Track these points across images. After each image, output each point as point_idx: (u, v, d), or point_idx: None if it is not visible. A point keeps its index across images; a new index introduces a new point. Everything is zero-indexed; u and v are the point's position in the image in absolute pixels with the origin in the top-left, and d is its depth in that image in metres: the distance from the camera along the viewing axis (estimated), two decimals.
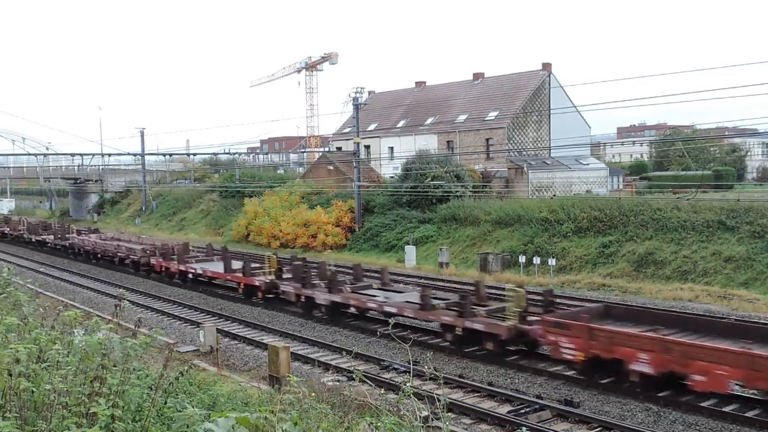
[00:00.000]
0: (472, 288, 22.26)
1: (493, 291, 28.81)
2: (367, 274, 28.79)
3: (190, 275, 32.29)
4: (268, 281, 27.08)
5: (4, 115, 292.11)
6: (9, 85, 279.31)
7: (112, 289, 31.41)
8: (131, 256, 37.08)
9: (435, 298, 21.35)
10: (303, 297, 24.75)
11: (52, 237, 50.43)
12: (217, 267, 31.28)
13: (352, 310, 23.64)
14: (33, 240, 52.74)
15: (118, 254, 38.65)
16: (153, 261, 34.86)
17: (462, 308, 19.25)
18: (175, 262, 33.13)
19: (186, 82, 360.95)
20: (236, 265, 30.11)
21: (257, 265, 30.30)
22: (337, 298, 23.36)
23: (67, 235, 48.46)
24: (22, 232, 55.96)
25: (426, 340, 21.28)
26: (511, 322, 18.36)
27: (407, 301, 21.83)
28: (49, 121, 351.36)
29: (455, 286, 28.91)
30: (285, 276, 27.22)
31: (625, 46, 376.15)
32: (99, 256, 41.60)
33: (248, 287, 27.97)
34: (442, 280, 31.92)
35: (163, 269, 34.01)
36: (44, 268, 40.65)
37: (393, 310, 21.18)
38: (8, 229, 60.48)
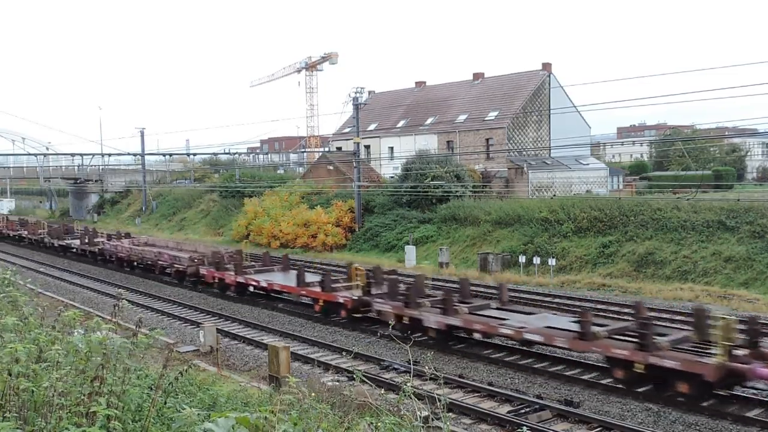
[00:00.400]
0: (632, 309, 18.27)
1: (487, 291, 28.89)
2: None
3: (251, 288, 28.51)
4: (356, 298, 22.89)
5: (4, 115, 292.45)
6: (9, 85, 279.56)
7: (112, 289, 31.37)
8: (176, 265, 32.91)
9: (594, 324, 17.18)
10: (406, 318, 20.62)
11: (77, 242, 45.79)
12: (278, 278, 27.88)
13: (477, 336, 19.74)
14: (56, 245, 48.32)
15: (159, 262, 34.59)
16: (203, 271, 30.95)
17: (644, 339, 15.38)
18: (232, 273, 29.07)
19: (186, 82, 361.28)
20: (311, 277, 26.49)
21: (332, 277, 26.63)
22: (455, 321, 19.41)
23: (95, 240, 43.59)
24: (42, 235, 51.23)
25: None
26: (719, 359, 14.57)
27: (551, 327, 17.97)
28: (49, 121, 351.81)
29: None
30: (375, 291, 22.97)
31: (625, 46, 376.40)
32: (135, 264, 37.65)
33: (329, 304, 24.07)
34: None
35: (216, 280, 30.05)
36: (44, 268, 40.59)
37: (537, 338, 17.55)
38: (26, 232, 55.14)
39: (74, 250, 46.00)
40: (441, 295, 21.08)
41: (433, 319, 19.87)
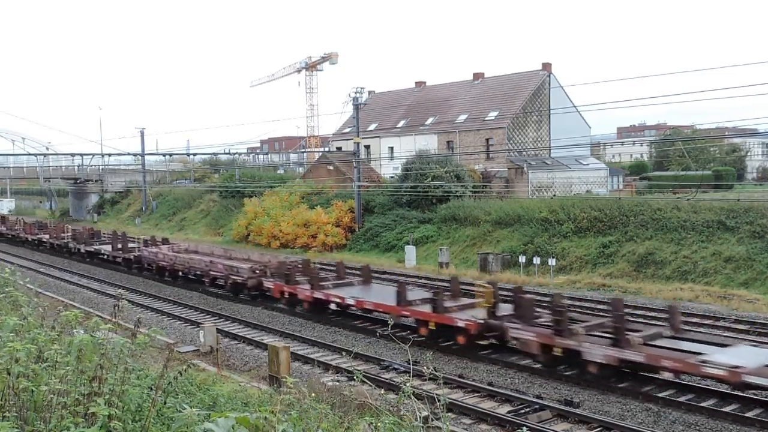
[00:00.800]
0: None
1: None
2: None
3: (333, 306, 24.38)
4: (480, 321, 18.89)
5: (4, 115, 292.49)
6: (9, 85, 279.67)
7: (112, 289, 31.37)
8: (233, 276, 28.95)
9: None
10: (558, 350, 16.92)
11: (108, 247, 41.32)
12: (361, 292, 24.13)
13: (667, 375, 15.80)
14: (82, 250, 43.87)
15: (211, 273, 30.68)
16: (269, 284, 27.03)
17: None
18: (307, 287, 24.91)
19: (186, 82, 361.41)
20: (414, 294, 22.33)
21: (427, 294, 22.51)
22: (634, 356, 15.57)
23: (130, 246, 39.65)
24: (66, 240, 46.69)
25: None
26: None
27: None
28: (49, 121, 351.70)
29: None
30: (503, 313, 19.08)
31: (625, 46, 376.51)
32: (180, 273, 33.71)
33: (442, 328, 19.83)
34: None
35: (286, 295, 26.02)
36: (44, 268, 40.57)
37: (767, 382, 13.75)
38: (47, 236, 50.20)
39: (104, 256, 41.49)
40: (602, 319, 18.00)
41: (598, 352, 16.08)
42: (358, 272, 27.68)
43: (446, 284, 25.20)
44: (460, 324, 19.12)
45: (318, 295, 24.27)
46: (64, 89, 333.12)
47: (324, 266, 32.08)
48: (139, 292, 31.24)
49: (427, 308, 20.50)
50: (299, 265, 27.67)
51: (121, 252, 39.30)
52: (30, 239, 52.83)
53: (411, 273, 34.45)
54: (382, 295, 23.19)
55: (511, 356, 19.00)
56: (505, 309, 19.44)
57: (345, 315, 24.65)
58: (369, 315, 23.84)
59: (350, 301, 23.11)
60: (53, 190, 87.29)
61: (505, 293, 22.67)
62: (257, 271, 28.50)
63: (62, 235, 48.33)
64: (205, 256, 33.66)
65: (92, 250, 43.17)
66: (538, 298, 22.25)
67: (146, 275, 36.55)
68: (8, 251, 50.37)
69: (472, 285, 23.61)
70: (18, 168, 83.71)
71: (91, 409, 4.60)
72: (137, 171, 75.95)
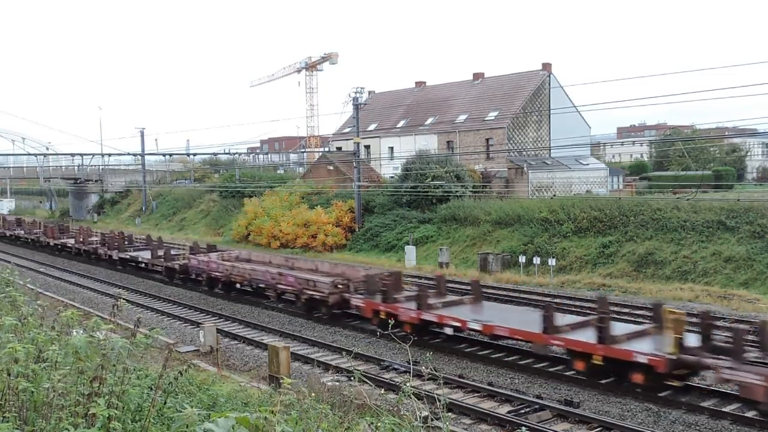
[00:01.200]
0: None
1: (493, 291, 28.84)
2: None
3: (449, 330, 19.87)
4: (671, 357, 14.78)
5: (4, 115, 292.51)
6: (9, 85, 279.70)
7: (112, 289, 31.33)
8: (309, 291, 24.64)
9: None
10: None
11: (147, 254, 36.52)
12: (471, 312, 20.19)
13: None
14: (114, 257, 39.06)
15: (280, 286, 26.42)
16: (358, 302, 22.64)
17: None
18: (412, 307, 20.59)
19: (186, 82, 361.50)
20: (564, 318, 18.55)
21: (579, 318, 18.98)
22: None
23: (173, 254, 34.80)
24: (95, 245, 42.07)
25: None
26: None
27: None
28: (49, 121, 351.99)
29: None
30: (691, 345, 15.23)
31: (625, 46, 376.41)
32: (238, 286, 29.28)
33: (612, 363, 15.82)
34: None
35: (381, 315, 20.92)
36: (44, 268, 40.51)
37: None
38: (72, 241, 45.70)
39: (142, 264, 37.13)
40: None
41: None
42: (467, 287, 23.64)
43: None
44: (641, 360, 15.06)
45: (428, 316, 19.89)
46: (64, 89, 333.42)
47: (415, 279, 28.84)
48: (139, 292, 31.23)
49: (586, 337, 16.49)
50: (385, 278, 23.02)
51: (162, 260, 34.35)
52: (52, 244, 47.90)
53: (412, 273, 34.45)
54: (505, 316, 19.60)
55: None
56: (691, 339, 15.66)
57: (458, 340, 20.66)
58: (496, 342, 19.73)
59: (474, 326, 18.68)
60: (53, 190, 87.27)
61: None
62: (339, 286, 24.29)
63: (90, 239, 44.14)
64: (268, 267, 29.42)
65: (127, 257, 38.29)
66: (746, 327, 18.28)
67: (190, 286, 32.33)
68: (29, 257, 46.25)
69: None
70: (18, 168, 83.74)
71: (91, 409, 4.59)
72: (137, 171, 75.95)
